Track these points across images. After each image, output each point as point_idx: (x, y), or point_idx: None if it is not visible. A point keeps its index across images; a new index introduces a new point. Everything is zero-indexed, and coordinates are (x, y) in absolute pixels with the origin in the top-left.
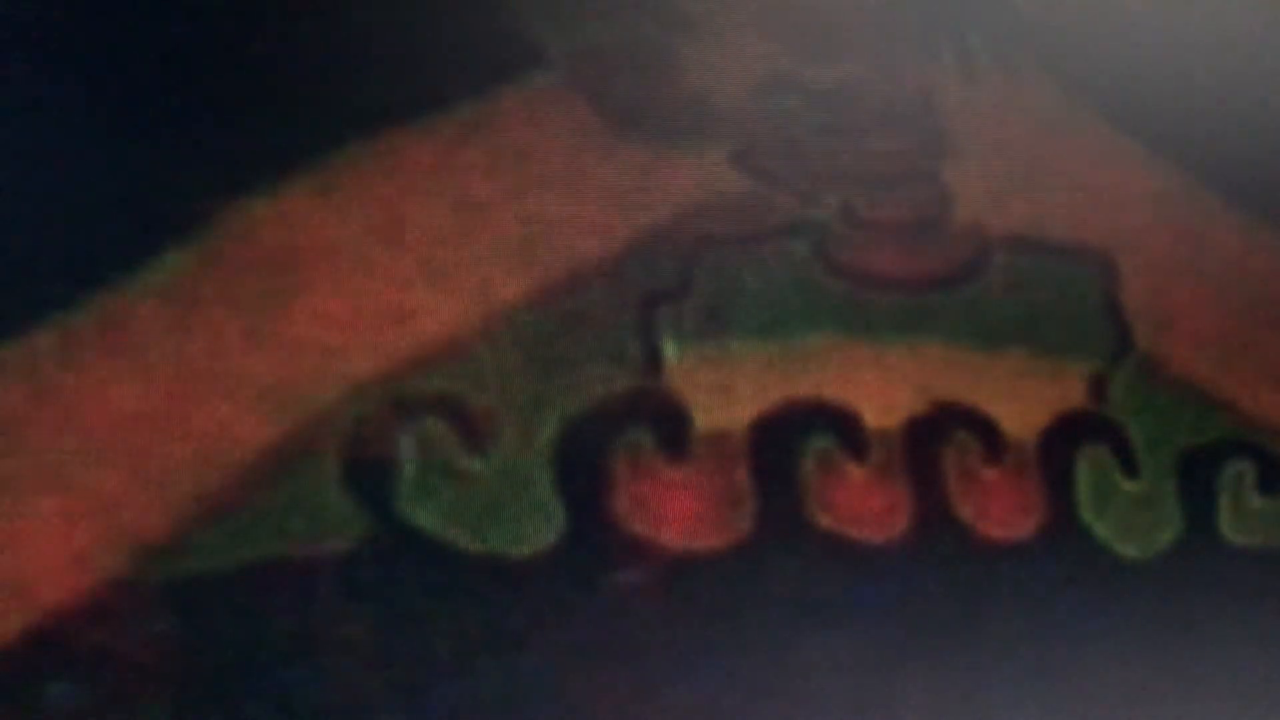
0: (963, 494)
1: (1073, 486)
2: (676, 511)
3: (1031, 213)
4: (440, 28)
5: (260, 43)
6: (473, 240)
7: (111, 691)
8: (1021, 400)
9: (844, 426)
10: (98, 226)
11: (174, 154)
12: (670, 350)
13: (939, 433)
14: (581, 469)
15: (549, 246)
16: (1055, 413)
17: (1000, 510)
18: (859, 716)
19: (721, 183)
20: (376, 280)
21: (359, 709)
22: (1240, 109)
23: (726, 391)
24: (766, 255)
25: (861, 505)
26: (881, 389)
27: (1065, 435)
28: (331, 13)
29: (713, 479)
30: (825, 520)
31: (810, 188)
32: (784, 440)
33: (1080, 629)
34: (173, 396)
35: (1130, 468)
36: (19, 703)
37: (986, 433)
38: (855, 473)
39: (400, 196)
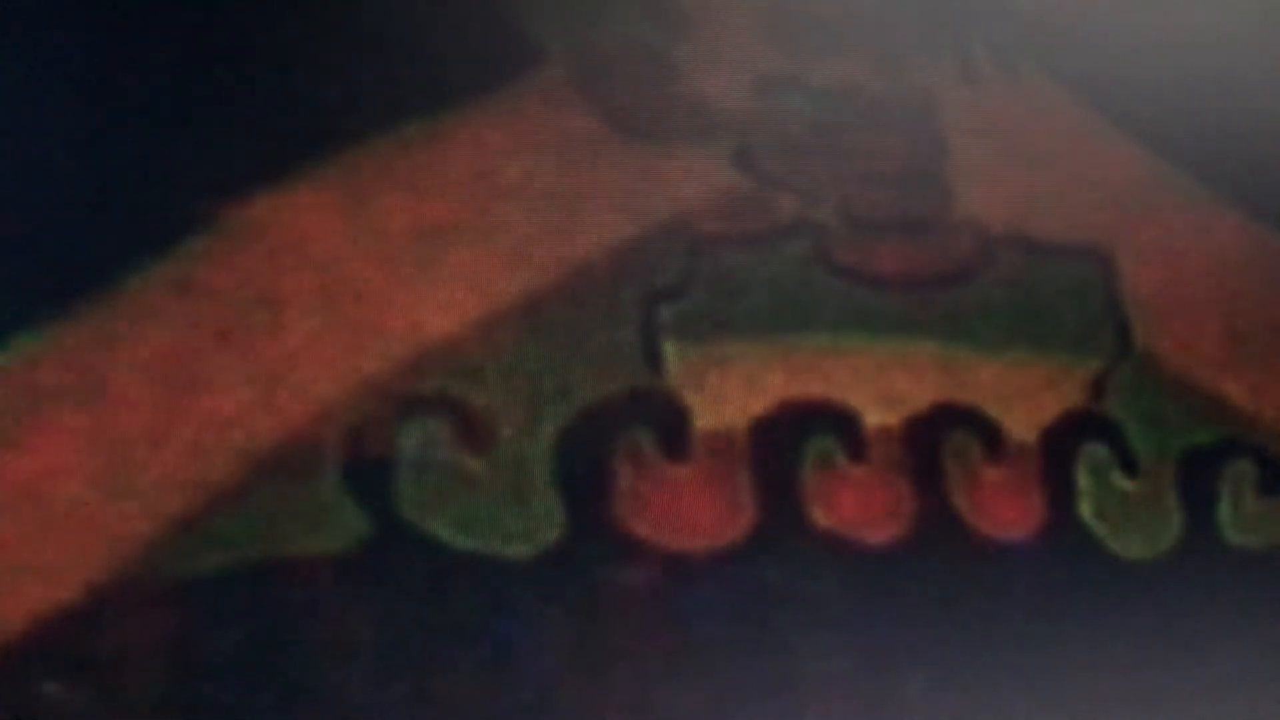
0: (963, 494)
1: (1073, 486)
2: (676, 511)
3: (1031, 212)
4: (440, 27)
5: (260, 42)
6: (473, 240)
7: (110, 691)
8: (1021, 400)
9: (844, 426)
10: (98, 226)
11: (175, 154)
12: (671, 350)
13: (939, 433)
14: (581, 469)
15: (549, 246)
16: (1055, 413)
17: (1000, 510)
18: (859, 716)
19: (721, 183)
20: (377, 279)
21: (359, 708)
22: (1240, 109)
23: (726, 391)
24: (766, 255)
25: (861, 505)
26: (881, 389)
27: (1065, 435)
28: (332, 13)
29: (713, 479)
30: (825, 520)
31: (810, 188)
32: (784, 440)
33: (1080, 629)
34: (172, 396)
35: (1130, 468)
36: (18, 702)
37: (986, 433)
38: (855, 473)
39: (400, 196)
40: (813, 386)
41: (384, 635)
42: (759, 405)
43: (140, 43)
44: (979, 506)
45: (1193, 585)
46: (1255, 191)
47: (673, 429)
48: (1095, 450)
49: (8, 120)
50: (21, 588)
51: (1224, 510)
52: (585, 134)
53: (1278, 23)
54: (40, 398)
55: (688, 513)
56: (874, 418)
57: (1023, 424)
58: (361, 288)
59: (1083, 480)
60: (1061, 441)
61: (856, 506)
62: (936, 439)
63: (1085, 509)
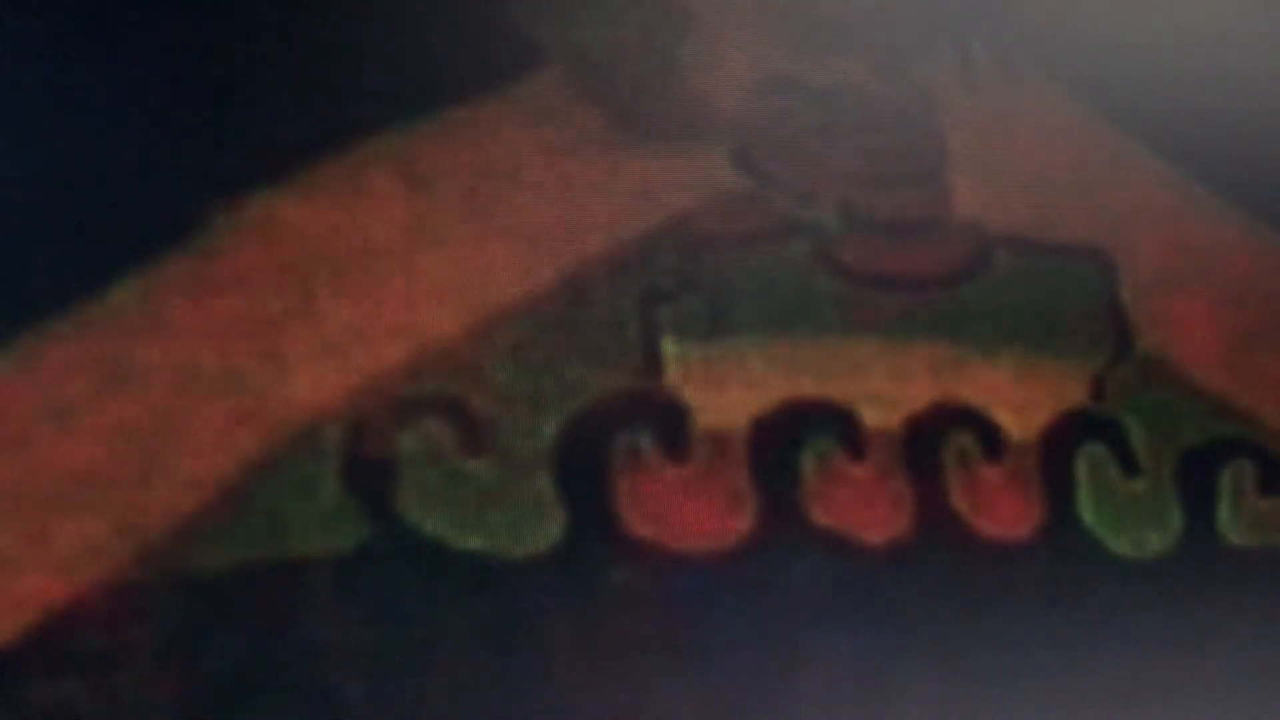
0: (963, 494)
1: (1073, 486)
2: (676, 511)
3: (1031, 213)
4: (440, 28)
5: (259, 43)
6: (472, 240)
7: (111, 691)
8: (1021, 400)
9: (844, 426)
10: (97, 228)
11: (173, 156)
12: (671, 350)
13: (939, 433)
14: (581, 469)
15: (549, 246)
16: (1055, 413)
17: (1000, 510)
18: (859, 716)
19: (721, 183)
20: (375, 280)
21: (358, 708)
22: (1240, 109)
23: (726, 391)
24: (766, 255)
25: (861, 505)
26: (881, 389)
27: (1065, 435)
28: (331, 13)
29: (713, 479)
30: (825, 520)
31: (810, 188)
32: (784, 440)
33: (1080, 629)
34: (172, 396)
35: (1130, 468)
36: (20, 703)
37: (986, 433)
38: (855, 472)
39: (399, 197)
40: (813, 386)
41: (384, 635)
42: (759, 405)
43: (140, 43)
44: (979, 506)
45: (1193, 585)
46: (1255, 191)
47: (673, 429)
48: (1095, 450)
49: (4, 122)
50: (21, 587)
51: (1224, 510)
52: (585, 134)
53: (1278, 23)
54: (39, 401)
55: (688, 513)
56: (874, 418)
57: (1023, 424)
58: (361, 287)
59: (1082, 480)
60: (1061, 441)
61: (856, 506)
62: (936, 439)
63: (1085, 509)
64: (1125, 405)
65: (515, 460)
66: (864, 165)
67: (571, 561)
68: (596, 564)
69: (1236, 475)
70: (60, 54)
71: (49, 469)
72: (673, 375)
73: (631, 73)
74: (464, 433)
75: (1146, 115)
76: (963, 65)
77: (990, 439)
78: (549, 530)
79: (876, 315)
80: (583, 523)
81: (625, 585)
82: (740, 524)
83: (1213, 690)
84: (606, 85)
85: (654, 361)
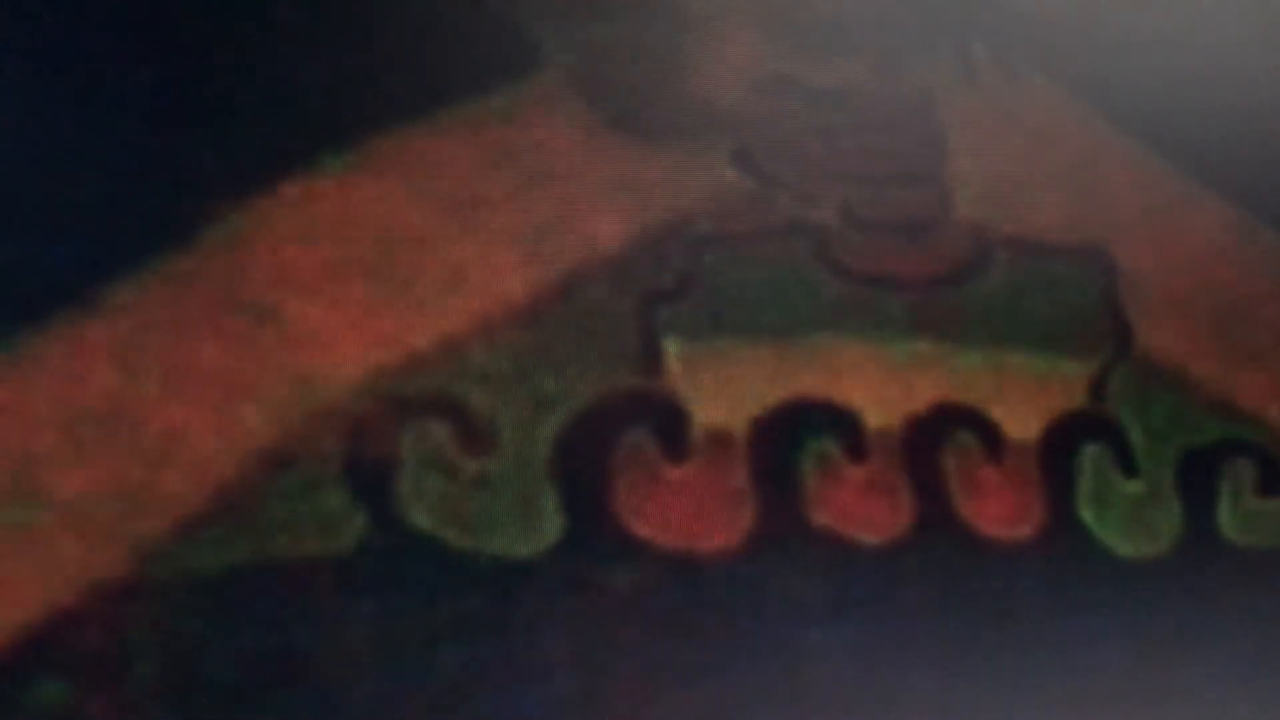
0: (963, 494)
1: (1073, 486)
2: (676, 511)
3: (1031, 213)
4: (440, 27)
5: (260, 44)
6: (473, 240)
7: (111, 691)
8: (1021, 400)
9: (844, 426)
10: (95, 226)
11: (173, 155)
12: (671, 349)
13: (939, 433)
14: (581, 469)
15: (549, 246)
16: (1055, 413)
17: (1000, 510)
18: (858, 715)
19: (721, 183)
20: (376, 280)
21: (358, 708)
22: (1239, 108)
23: (726, 391)
24: (766, 255)
25: (861, 505)
26: (881, 389)
27: (1065, 435)
28: (332, 14)
29: (713, 479)
30: (825, 520)
31: (810, 188)
32: (784, 440)
33: (1080, 629)
34: (173, 397)
35: (1130, 468)
36: (20, 703)
37: (986, 433)
38: (855, 473)
39: (399, 197)
40: (813, 386)
41: (384, 635)
42: (759, 405)
43: (140, 44)
44: (979, 506)
45: (1193, 585)
46: (1254, 191)
47: (673, 429)
48: (1095, 450)
49: (5, 122)
50: (22, 587)
51: (1224, 510)
52: (585, 134)
53: (1278, 22)
54: (40, 400)
55: (688, 513)
56: (874, 418)
57: (1023, 424)
58: (361, 287)
59: (1083, 480)
60: (1061, 441)
61: (856, 506)
62: (936, 439)
63: (1085, 509)
64: (1125, 405)
65: (515, 460)
66: (864, 165)
67: (571, 561)
68: (596, 564)
69: (1236, 475)
70: (61, 54)
71: (50, 468)
72: (673, 375)
73: (631, 72)
74: (464, 433)
75: (1146, 115)
76: (963, 65)
77: (990, 439)
78: (549, 530)
79: (876, 315)
80: (583, 523)
81: (625, 585)
82: (740, 524)
83: (1213, 690)
84: (606, 85)
85: (654, 361)
